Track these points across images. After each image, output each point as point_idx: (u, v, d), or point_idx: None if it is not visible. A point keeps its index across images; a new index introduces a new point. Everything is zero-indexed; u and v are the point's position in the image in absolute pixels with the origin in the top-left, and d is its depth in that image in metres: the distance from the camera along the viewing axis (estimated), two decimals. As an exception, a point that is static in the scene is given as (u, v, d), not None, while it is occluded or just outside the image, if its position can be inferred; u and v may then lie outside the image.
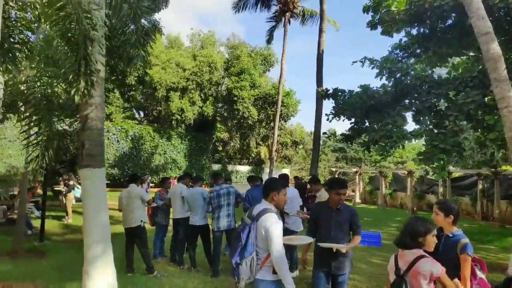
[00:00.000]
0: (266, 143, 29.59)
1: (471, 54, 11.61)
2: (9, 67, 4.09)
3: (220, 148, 29.27)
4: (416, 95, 11.91)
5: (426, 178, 20.16)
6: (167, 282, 5.91)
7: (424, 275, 2.52)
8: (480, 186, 16.27)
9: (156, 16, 7.28)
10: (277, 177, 7.04)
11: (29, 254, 7.57)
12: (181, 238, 7.01)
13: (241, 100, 24.48)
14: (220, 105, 26.04)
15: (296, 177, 14.03)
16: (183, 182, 7.48)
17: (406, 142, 11.49)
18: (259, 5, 22.66)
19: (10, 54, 4.02)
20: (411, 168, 21.97)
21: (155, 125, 25.26)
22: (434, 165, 10.46)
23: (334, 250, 3.55)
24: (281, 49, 21.90)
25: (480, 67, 10.51)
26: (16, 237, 7.66)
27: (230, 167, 28.67)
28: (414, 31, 11.80)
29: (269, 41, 24.79)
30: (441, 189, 17.96)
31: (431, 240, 2.69)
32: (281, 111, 23.45)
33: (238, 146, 29.66)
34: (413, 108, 12.13)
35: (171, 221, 7.61)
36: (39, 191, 14.50)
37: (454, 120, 10.45)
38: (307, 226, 4.13)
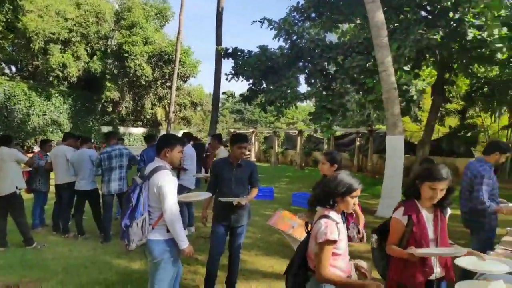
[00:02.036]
0: (163, 104, 28.34)
1: (358, 22, 12.54)
2: None
3: (110, 109, 27.01)
4: (309, 58, 12.54)
5: (313, 137, 21.98)
6: (50, 252, 5.33)
7: (314, 234, 2.18)
8: (357, 143, 18.39)
9: None
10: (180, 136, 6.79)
11: None
12: (66, 205, 6.34)
13: (133, 57, 22.66)
14: (109, 61, 23.72)
15: (194, 138, 13.80)
16: (67, 143, 6.66)
17: (299, 102, 12.19)
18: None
19: None
20: (301, 128, 23.56)
21: (31, 82, 21.90)
22: (322, 124, 11.34)
23: (235, 204, 3.57)
24: (179, 3, 20.58)
25: (365, 34, 11.46)
26: None
27: (122, 129, 26.84)
28: (311, -5, 12.14)
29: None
30: (325, 146, 19.78)
31: (350, 201, 2.18)
32: (178, 70, 22.47)
33: (132, 107, 27.78)
34: (306, 71, 12.81)
35: (52, 188, 6.78)
36: None
37: (341, 83, 11.35)
38: (205, 186, 4.06)
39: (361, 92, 11.96)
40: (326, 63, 12.04)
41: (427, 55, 11.51)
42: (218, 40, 15.50)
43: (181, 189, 4.96)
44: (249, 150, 24.39)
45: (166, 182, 2.78)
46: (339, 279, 2.12)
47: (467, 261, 2.25)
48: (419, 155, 12.96)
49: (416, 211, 2.32)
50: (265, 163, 22.98)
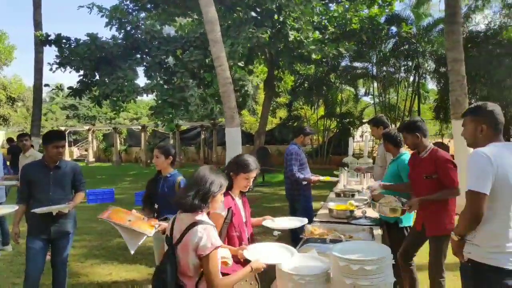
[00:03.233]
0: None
1: (196, 17, 12.67)
2: None
3: None
4: (147, 50, 12.07)
5: (159, 132, 21.49)
6: None
7: (192, 247, 1.88)
8: (202, 136, 18.85)
9: None
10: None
11: None
12: None
13: None
14: None
15: (9, 139, 11.53)
16: None
17: (138, 97, 11.58)
18: None
19: None
20: (144, 123, 22.68)
21: None
22: (164, 119, 11.11)
23: (54, 214, 3.08)
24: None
25: (202, 30, 11.67)
26: None
27: None
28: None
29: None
30: (171, 141, 19.58)
31: (219, 198, 2.06)
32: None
33: None
34: (145, 63, 12.29)
35: None
36: None
37: (181, 77, 11.32)
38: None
39: (201, 87, 12.20)
40: (164, 56, 11.78)
41: (258, 52, 12.55)
42: (37, 25, 13.29)
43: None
44: (86, 150, 22.14)
45: None
46: (233, 278, 1.95)
47: (269, 223, 2.79)
48: (256, 144, 14.13)
49: (233, 202, 2.44)
50: (106, 163, 21.27)
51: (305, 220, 2.94)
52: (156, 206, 3.35)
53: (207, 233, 1.84)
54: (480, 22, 14.43)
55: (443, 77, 13.67)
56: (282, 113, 19.60)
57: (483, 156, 1.86)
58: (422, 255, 3.30)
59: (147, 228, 2.87)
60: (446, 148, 11.37)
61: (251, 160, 2.44)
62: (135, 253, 5.13)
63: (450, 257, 3.21)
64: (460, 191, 2.93)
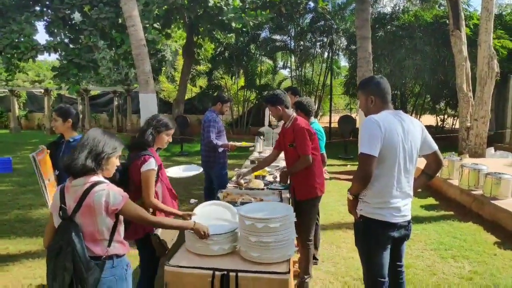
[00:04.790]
0: None
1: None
2: None
3: None
4: (47, 2, 10.69)
5: (65, 96, 19.59)
6: None
7: (102, 208, 1.75)
8: (115, 103, 17.69)
9: None
10: None
11: None
12: None
13: None
14: None
15: None
16: None
17: (38, 55, 10.30)
18: None
19: None
20: (48, 87, 20.44)
21: None
22: (68, 81, 10.14)
23: None
24: None
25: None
26: None
27: None
28: None
29: None
30: (80, 107, 18.03)
31: (114, 162, 1.93)
32: None
33: None
34: (46, 18, 10.92)
35: None
36: None
37: (89, 36, 10.33)
38: None
39: (113, 48, 11.30)
40: (69, 11, 10.56)
41: (177, 16, 11.96)
42: None
43: None
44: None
45: None
46: (172, 222, 2.13)
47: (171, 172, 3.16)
48: (174, 113, 13.75)
49: (159, 158, 2.53)
50: (3, 130, 18.91)
51: (200, 169, 3.40)
52: (56, 172, 3.09)
53: (111, 188, 1.78)
54: (387, 4, 15.51)
55: (353, 54, 14.61)
56: (202, 81, 19.18)
57: (373, 122, 2.06)
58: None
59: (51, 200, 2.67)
60: (352, 120, 12.28)
61: (168, 119, 2.63)
62: (36, 225, 4.82)
63: (349, 217, 3.59)
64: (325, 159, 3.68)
